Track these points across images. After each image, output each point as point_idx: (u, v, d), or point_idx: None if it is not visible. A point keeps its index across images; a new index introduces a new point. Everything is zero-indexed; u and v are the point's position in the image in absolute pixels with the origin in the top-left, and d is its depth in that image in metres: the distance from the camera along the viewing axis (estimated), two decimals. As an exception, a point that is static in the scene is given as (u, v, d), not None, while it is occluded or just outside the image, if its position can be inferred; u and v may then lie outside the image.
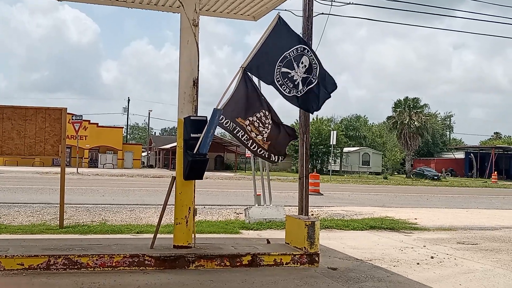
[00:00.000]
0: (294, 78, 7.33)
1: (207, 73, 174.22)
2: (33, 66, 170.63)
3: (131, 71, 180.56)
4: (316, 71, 7.45)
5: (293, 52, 7.34)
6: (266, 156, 7.44)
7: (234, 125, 7.09)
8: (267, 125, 7.32)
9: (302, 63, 7.38)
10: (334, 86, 7.65)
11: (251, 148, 7.30)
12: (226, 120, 7.00)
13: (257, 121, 7.24)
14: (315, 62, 7.46)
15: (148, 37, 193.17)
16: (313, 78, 7.43)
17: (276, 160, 7.57)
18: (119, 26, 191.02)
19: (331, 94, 7.63)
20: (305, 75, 7.39)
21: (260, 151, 7.35)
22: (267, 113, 7.31)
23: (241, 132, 7.14)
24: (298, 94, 7.41)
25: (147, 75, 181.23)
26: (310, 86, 7.42)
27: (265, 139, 7.32)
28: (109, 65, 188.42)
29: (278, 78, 7.26)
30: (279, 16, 7.34)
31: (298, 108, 11.76)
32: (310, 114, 11.76)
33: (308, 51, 7.49)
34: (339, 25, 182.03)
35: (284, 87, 7.29)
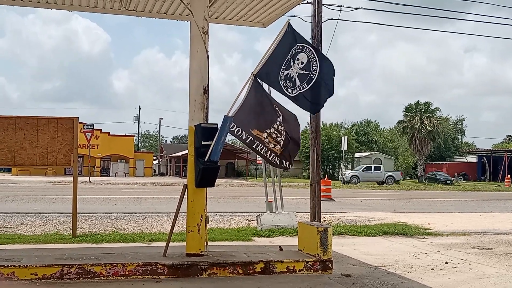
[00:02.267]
0: (291, 75, 7.26)
1: (217, 81, 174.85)
2: (45, 76, 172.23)
3: (142, 80, 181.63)
4: (316, 67, 7.24)
5: (292, 52, 7.31)
6: (278, 163, 7.46)
7: (250, 137, 7.08)
8: (283, 132, 7.32)
9: (298, 59, 7.29)
10: (331, 79, 7.35)
11: (269, 159, 7.33)
12: (238, 128, 7.00)
13: (275, 131, 7.24)
14: (314, 57, 7.25)
15: (159, 45, 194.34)
16: (313, 74, 7.23)
17: (287, 166, 7.61)
18: (130, 35, 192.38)
19: (331, 89, 7.36)
20: (303, 72, 7.23)
21: (278, 160, 7.41)
22: (281, 119, 7.31)
23: (260, 146, 7.17)
24: (297, 91, 7.26)
25: (158, 84, 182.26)
26: (311, 84, 7.22)
27: (282, 148, 7.33)
28: (120, 74, 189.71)
29: (283, 83, 7.25)
30: (289, 23, 7.33)
31: (309, 114, 11.76)
32: (321, 120, 11.74)
33: (307, 48, 7.31)
34: (350, 31, 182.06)
35: (286, 88, 7.26)
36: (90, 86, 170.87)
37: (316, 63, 7.29)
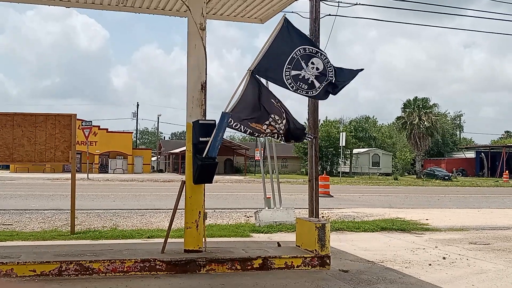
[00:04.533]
0: (306, 77, 7.17)
1: (217, 77, 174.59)
2: (44, 73, 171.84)
3: (141, 76, 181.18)
4: (333, 73, 7.29)
5: (300, 51, 7.20)
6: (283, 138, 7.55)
7: (249, 129, 7.07)
8: (280, 125, 7.31)
9: (312, 63, 7.24)
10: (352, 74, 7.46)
11: (277, 138, 7.43)
12: (236, 123, 6.98)
13: (272, 121, 7.24)
14: (330, 65, 7.30)
15: (157, 41, 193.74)
16: (330, 77, 7.27)
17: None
18: (128, 32, 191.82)
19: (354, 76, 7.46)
20: (319, 74, 7.24)
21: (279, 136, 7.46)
22: (276, 118, 7.28)
23: (261, 135, 7.27)
24: (316, 92, 7.29)
25: (157, 80, 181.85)
26: (328, 81, 7.27)
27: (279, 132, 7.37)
28: (119, 71, 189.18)
29: (290, 82, 7.13)
30: (285, 18, 7.29)
31: (307, 110, 11.77)
32: (319, 116, 11.73)
33: (321, 54, 7.32)
34: (350, 26, 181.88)
35: (300, 91, 7.17)
36: (89, 83, 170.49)
37: (332, 71, 7.29)
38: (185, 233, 7.27)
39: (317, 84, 7.24)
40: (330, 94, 7.52)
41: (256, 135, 7.26)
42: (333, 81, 7.29)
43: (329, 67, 7.29)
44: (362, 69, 7.48)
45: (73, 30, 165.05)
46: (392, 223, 12.46)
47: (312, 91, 7.26)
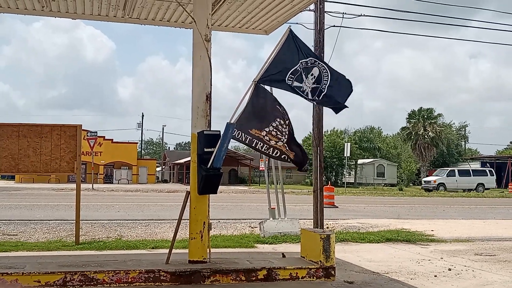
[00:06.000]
0: (303, 89, 7.28)
1: (222, 87, 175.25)
2: (50, 84, 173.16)
3: (147, 87, 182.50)
4: (327, 80, 7.33)
5: (302, 64, 7.27)
6: (282, 157, 7.47)
7: (249, 137, 7.08)
8: (284, 132, 7.31)
9: (312, 74, 7.31)
10: (349, 89, 7.51)
11: (274, 155, 7.32)
12: (239, 132, 7.01)
13: (274, 130, 7.23)
14: (326, 71, 7.34)
15: (163, 52, 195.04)
16: (323, 88, 7.33)
17: (304, 168, 7.68)
18: (134, 43, 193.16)
19: (348, 100, 7.51)
20: (314, 85, 7.28)
21: (285, 157, 7.37)
22: (282, 122, 7.30)
23: (260, 144, 7.15)
24: (312, 100, 7.45)
25: (162, 91, 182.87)
26: (322, 95, 7.32)
27: (286, 145, 7.31)
28: (125, 82, 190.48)
29: (290, 91, 7.24)
30: (290, 29, 7.34)
31: (312, 120, 11.77)
32: (324, 126, 11.74)
33: (319, 63, 7.41)
34: (355, 37, 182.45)
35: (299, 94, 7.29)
36: (95, 94, 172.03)
37: (328, 76, 7.32)
38: (189, 243, 7.27)
39: (310, 96, 7.29)
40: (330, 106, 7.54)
41: (253, 145, 7.20)
42: (325, 92, 7.31)
43: (324, 73, 7.33)
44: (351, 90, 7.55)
45: (79, 41, 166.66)
46: (397, 234, 12.40)
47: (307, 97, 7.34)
